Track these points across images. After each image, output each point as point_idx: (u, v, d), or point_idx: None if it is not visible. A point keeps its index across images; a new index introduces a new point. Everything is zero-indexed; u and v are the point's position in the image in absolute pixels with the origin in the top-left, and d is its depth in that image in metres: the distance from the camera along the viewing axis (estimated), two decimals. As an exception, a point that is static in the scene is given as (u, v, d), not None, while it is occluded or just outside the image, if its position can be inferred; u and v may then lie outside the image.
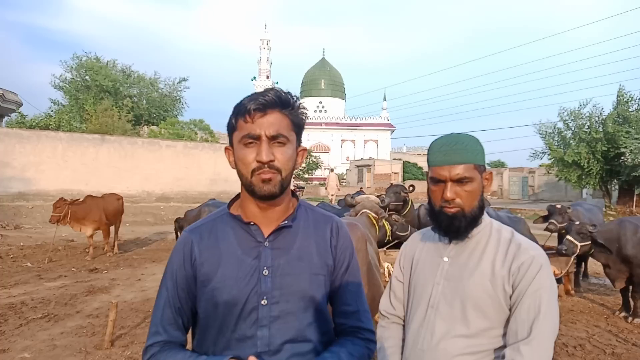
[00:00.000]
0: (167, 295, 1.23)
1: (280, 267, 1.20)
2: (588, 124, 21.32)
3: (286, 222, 1.23)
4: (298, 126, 1.22)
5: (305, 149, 1.28)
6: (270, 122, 1.15)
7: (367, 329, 1.31)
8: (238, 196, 1.30)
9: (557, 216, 6.88)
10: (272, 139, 1.15)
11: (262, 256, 1.20)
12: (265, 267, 1.18)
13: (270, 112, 1.16)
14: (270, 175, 1.14)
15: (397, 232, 7.00)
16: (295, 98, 1.21)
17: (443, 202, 1.37)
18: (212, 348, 1.20)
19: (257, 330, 1.16)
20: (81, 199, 9.07)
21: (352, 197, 4.77)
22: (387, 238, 7.23)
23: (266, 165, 1.13)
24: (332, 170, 25.64)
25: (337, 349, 1.23)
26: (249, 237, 1.22)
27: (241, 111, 1.16)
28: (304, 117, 1.24)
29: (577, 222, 5.52)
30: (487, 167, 1.43)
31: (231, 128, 1.20)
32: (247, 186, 1.18)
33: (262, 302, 1.17)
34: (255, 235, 1.22)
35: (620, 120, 20.49)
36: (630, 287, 5.48)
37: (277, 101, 1.16)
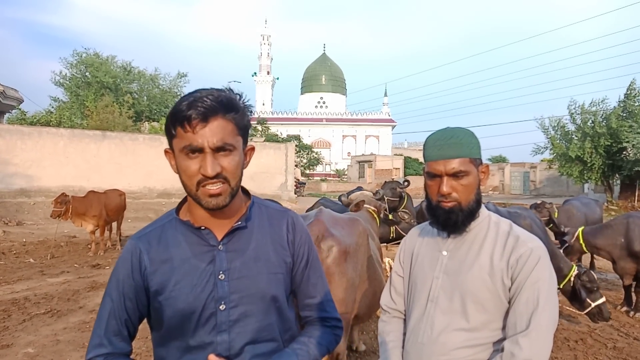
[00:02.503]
0: (112, 306, 1.16)
1: (236, 269, 1.15)
2: (592, 118, 21.29)
3: (240, 223, 1.18)
4: (244, 128, 1.14)
5: (252, 148, 1.20)
6: (213, 132, 1.05)
7: (333, 317, 1.31)
8: (185, 199, 1.22)
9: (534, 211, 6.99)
10: (217, 150, 1.06)
11: (217, 260, 1.15)
12: (220, 271, 1.14)
13: (212, 119, 1.06)
14: (219, 189, 1.07)
15: (402, 232, 7.02)
16: (237, 97, 1.13)
17: (440, 196, 1.37)
18: (171, 356, 1.17)
19: (217, 336, 1.13)
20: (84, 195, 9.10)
21: (347, 196, 4.77)
22: (391, 235, 7.26)
23: (213, 178, 1.06)
24: (296, 166, 27.17)
25: (305, 339, 1.22)
26: (202, 242, 1.16)
27: (179, 119, 1.06)
28: (248, 117, 1.15)
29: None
30: (483, 160, 1.43)
31: (170, 133, 1.10)
32: (193, 198, 1.11)
33: (220, 307, 1.13)
34: (208, 240, 1.16)
35: (625, 114, 20.45)
36: (634, 282, 5.48)
37: (218, 106, 1.06)
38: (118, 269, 1.19)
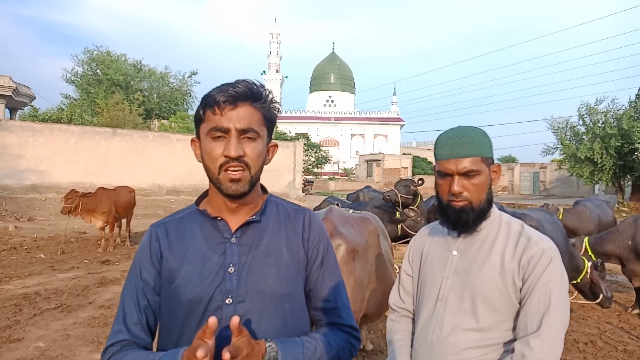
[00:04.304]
0: (132, 293, 1.17)
1: (246, 264, 1.14)
2: (603, 119, 21.05)
3: (254, 217, 1.18)
4: (270, 121, 1.16)
5: (276, 145, 1.22)
6: (241, 116, 1.09)
7: (349, 325, 1.24)
8: (206, 193, 1.25)
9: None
10: (242, 133, 1.09)
11: (228, 253, 1.14)
12: (231, 265, 1.13)
13: (241, 105, 1.10)
14: (239, 174, 1.09)
15: (408, 230, 6.98)
16: (267, 91, 1.15)
17: (450, 195, 1.36)
18: (173, 348, 1.12)
19: (221, 331, 1.07)
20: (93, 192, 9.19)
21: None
22: (398, 233, 7.24)
23: (234, 160, 1.08)
24: None
25: (316, 335, 1.16)
26: (216, 233, 1.17)
27: (209, 102, 1.10)
28: (275, 112, 1.18)
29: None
30: (495, 160, 1.42)
31: (198, 119, 1.14)
32: (214, 183, 1.13)
33: (227, 301, 1.11)
34: (222, 231, 1.16)
35: (637, 115, 20.20)
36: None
37: (249, 94, 1.11)
38: (137, 255, 1.21)
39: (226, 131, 1.08)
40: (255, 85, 1.14)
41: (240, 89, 1.10)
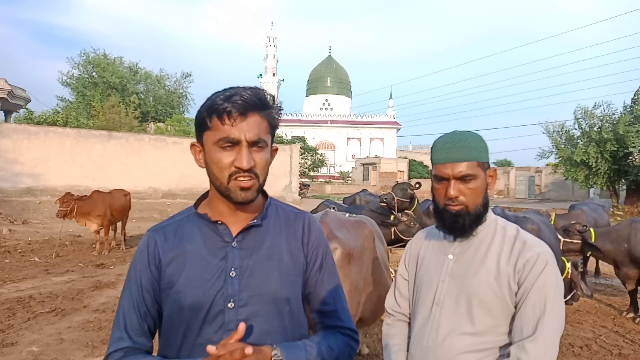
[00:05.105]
0: (131, 299, 1.16)
1: (248, 268, 1.14)
2: (599, 124, 21.17)
3: (255, 220, 1.18)
4: (274, 128, 1.17)
5: (276, 149, 1.22)
6: (251, 126, 1.09)
7: (348, 328, 1.25)
8: (205, 195, 1.24)
9: None
10: (253, 144, 1.09)
11: (229, 257, 1.14)
12: (232, 269, 1.13)
13: (251, 115, 1.09)
14: (250, 183, 1.10)
15: (400, 235, 6.96)
16: (272, 98, 1.15)
17: (447, 200, 1.36)
18: (176, 353, 1.14)
19: (223, 335, 1.09)
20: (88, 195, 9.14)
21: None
22: (392, 236, 7.22)
23: (245, 171, 1.08)
24: None
25: (317, 339, 1.17)
26: (216, 237, 1.16)
27: (218, 110, 1.07)
28: (279, 118, 1.19)
29: (574, 222, 5.56)
30: (490, 164, 1.43)
31: (203, 125, 1.11)
32: (222, 191, 1.12)
33: (229, 305, 1.11)
34: (223, 235, 1.16)
35: (632, 119, 20.34)
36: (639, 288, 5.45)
37: (258, 103, 1.10)
38: (135, 260, 1.20)
39: (237, 142, 1.08)
40: (262, 92, 1.13)
41: (249, 97, 1.08)
